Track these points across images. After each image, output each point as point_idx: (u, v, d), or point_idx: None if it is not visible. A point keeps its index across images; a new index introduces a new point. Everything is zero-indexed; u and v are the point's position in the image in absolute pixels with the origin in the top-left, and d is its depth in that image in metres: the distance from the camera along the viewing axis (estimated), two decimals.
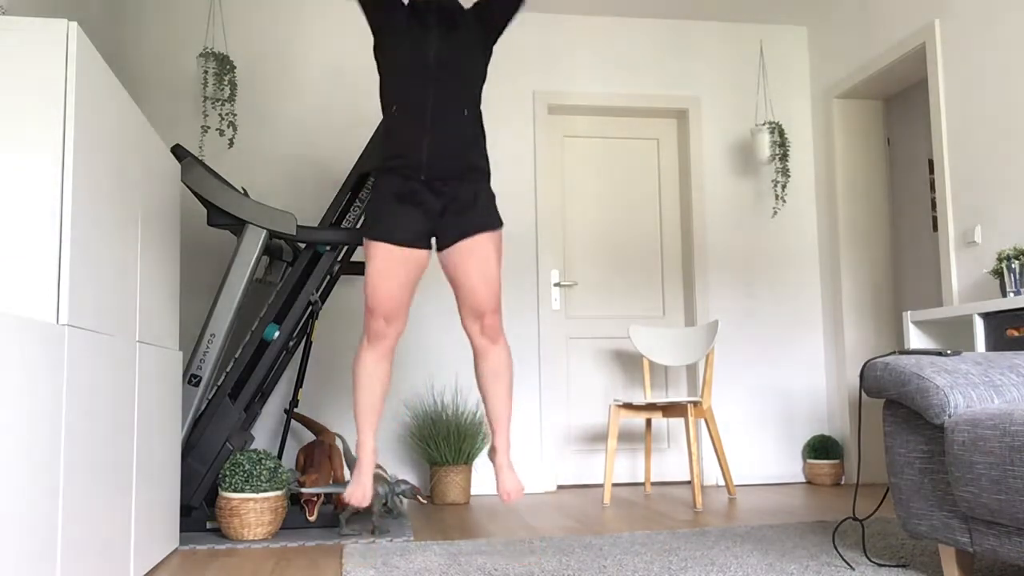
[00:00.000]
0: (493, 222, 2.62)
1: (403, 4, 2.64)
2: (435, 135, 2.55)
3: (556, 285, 4.76)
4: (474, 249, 2.57)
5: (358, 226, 3.45)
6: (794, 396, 4.81)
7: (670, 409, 3.99)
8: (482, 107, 4.66)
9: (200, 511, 3.28)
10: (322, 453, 3.49)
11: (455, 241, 2.59)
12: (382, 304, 2.54)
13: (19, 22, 1.85)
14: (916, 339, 3.65)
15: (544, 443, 4.54)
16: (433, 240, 2.65)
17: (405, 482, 3.22)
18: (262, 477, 3.06)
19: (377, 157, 2.62)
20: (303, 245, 3.62)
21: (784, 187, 4.83)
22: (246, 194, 3.39)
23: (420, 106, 2.55)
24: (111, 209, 2.14)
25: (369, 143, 3.52)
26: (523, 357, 4.57)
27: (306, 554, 2.81)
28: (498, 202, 4.63)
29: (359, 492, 2.55)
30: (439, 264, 2.72)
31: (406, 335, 4.47)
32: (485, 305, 2.58)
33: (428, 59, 2.56)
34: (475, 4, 2.70)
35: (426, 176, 2.57)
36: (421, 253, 2.60)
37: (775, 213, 4.88)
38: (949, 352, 2.21)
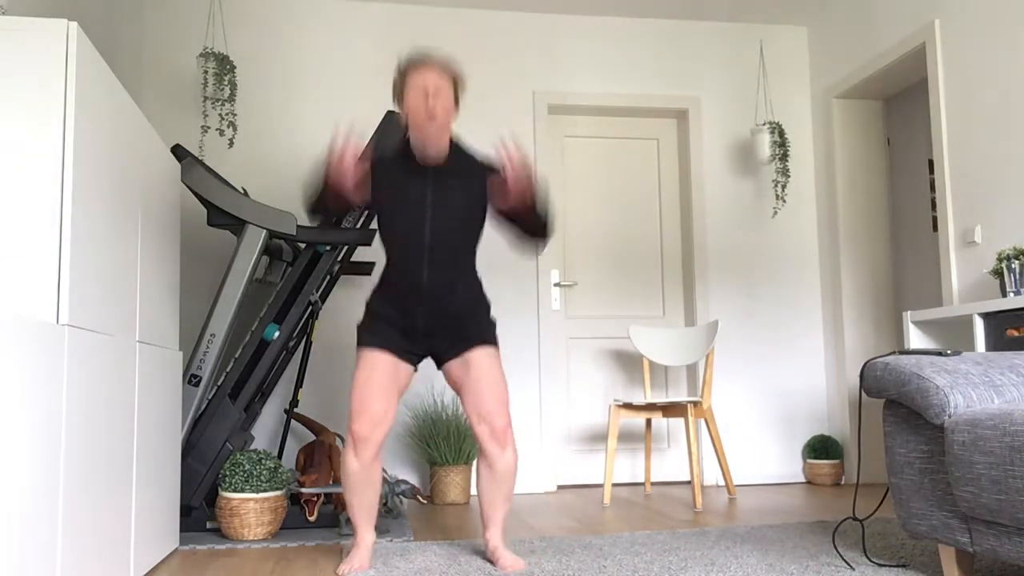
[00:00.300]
0: (491, 339, 2.61)
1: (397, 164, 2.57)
2: (436, 310, 2.55)
3: (556, 285, 4.76)
4: (477, 360, 2.57)
5: (359, 225, 3.45)
6: (794, 396, 4.80)
7: (670, 409, 3.99)
8: (483, 108, 4.68)
9: (200, 511, 3.28)
10: (322, 453, 3.49)
11: (456, 355, 2.59)
12: (368, 411, 2.49)
13: (19, 22, 1.85)
14: (916, 339, 3.65)
15: (544, 443, 4.54)
16: (420, 360, 2.66)
17: (405, 482, 3.22)
18: (262, 477, 3.06)
19: (376, 300, 2.61)
20: (303, 245, 3.62)
21: (784, 187, 4.83)
22: (246, 194, 3.39)
23: (416, 276, 2.52)
24: (111, 209, 2.14)
25: (369, 143, 3.52)
26: (523, 357, 4.57)
27: (306, 554, 2.81)
28: None
29: (348, 567, 2.49)
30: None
31: None
32: (495, 414, 2.54)
33: (423, 240, 2.51)
34: (484, 171, 2.59)
35: (425, 335, 2.59)
36: (409, 367, 2.60)
37: (775, 213, 4.88)
38: (949, 352, 2.20)
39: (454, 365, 2.60)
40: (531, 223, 2.56)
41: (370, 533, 2.58)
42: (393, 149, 2.61)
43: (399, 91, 2.51)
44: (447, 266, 2.53)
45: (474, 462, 4.37)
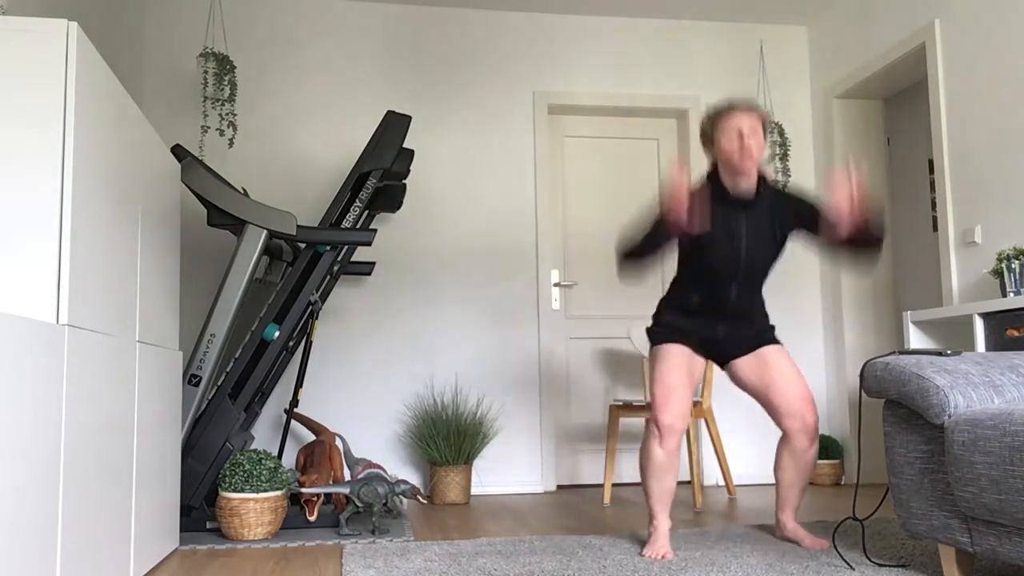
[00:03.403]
0: (777, 340, 2.79)
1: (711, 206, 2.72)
2: (733, 320, 2.75)
3: (556, 285, 4.76)
4: (774, 357, 2.75)
5: (357, 225, 3.45)
6: None
7: None
8: (484, 108, 4.68)
9: (200, 511, 3.28)
10: (322, 453, 3.49)
11: (746, 352, 2.77)
12: (673, 402, 2.66)
13: (19, 22, 1.85)
14: (916, 339, 3.65)
15: (544, 443, 4.54)
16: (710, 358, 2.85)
17: (405, 482, 3.22)
18: (262, 477, 3.06)
19: (671, 314, 2.80)
20: (303, 245, 3.62)
21: (784, 187, 4.82)
22: (246, 194, 3.39)
23: (724, 300, 2.72)
24: (111, 209, 2.14)
25: (369, 143, 3.53)
26: (523, 357, 4.57)
27: (306, 554, 2.81)
28: (496, 201, 4.64)
29: (658, 552, 2.59)
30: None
31: (406, 335, 4.47)
32: (807, 411, 2.70)
33: (738, 266, 2.69)
34: (807, 211, 2.72)
35: (719, 337, 2.77)
36: (702, 360, 2.79)
37: None
38: (949, 352, 2.20)
39: (745, 362, 2.77)
40: (866, 244, 2.60)
41: (667, 520, 2.71)
42: (701, 185, 2.77)
43: (709, 136, 2.70)
44: (751, 289, 2.75)
45: (474, 462, 4.37)
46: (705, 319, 2.75)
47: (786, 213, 2.72)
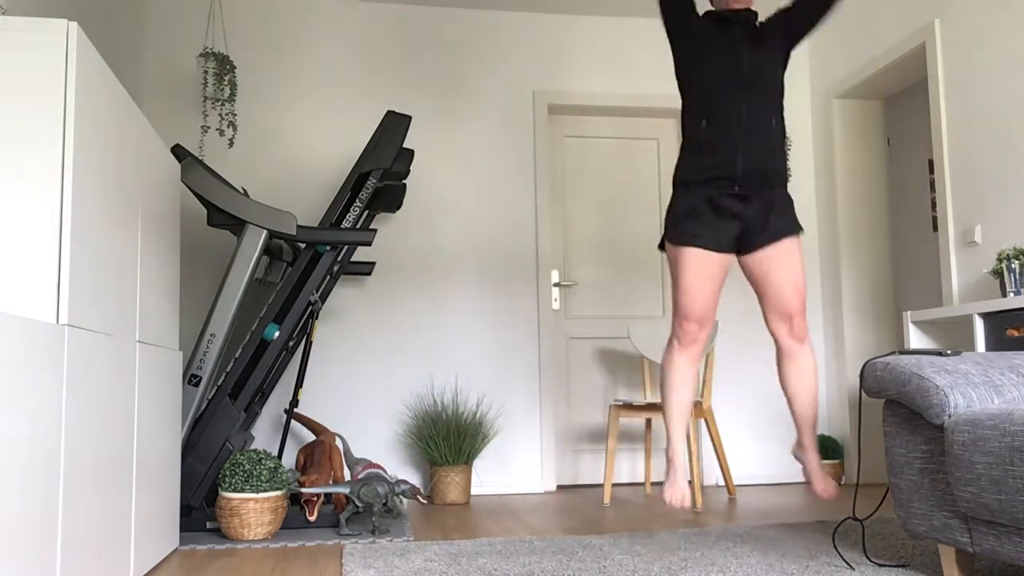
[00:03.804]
0: (796, 227, 2.73)
1: (705, 21, 2.74)
2: (750, 148, 2.65)
3: (556, 285, 4.76)
4: (781, 254, 2.69)
5: (358, 225, 3.45)
6: None
7: None
8: (484, 108, 4.68)
9: (200, 511, 3.28)
10: (322, 453, 3.49)
11: (762, 246, 2.70)
12: (696, 310, 2.64)
13: (19, 22, 1.85)
14: (916, 339, 3.65)
15: (544, 443, 4.54)
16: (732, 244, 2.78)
17: (405, 482, 3.22)
18: (262, 477, 3.06)
19: (685, 169, 2.74)
20: (303, 245, 3.62)
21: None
22: (246, 194, 3.39)
23: (735, 120, 2.65)
24: (111, 209, 2.14)
25: (369, 143, 3.53)
26: (523, 357, 4.57)
27: (306, 554, 2.81)
28: (496, 202, 4.64)
29: (677, 493, 2.62)
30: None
31: (406, 335, 4.47)
32: (794, 307, 2.68)
33: (740, 74, 2.65)
34: (779, 14, 2.77)
35: (740, 187, 2.67)
36: (729, 257, 2.72)
37: None
38: (949, 352, 2.20)
39: (759, 259, 2.71)
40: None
41: (683, 445, 2.72)
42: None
43: None
44: (763, 106, 2.67)
45: (474, 462, 4.37)
46: (720, 157, 2.66)
47: (777, 24, 2.76)
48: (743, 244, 2.75)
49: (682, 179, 2.75)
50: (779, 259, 2.68)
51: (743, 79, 2.66)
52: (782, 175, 2.73)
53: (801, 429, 2.76)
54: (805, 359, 2.72)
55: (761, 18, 2.81)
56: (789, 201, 2.75)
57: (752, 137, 2.66)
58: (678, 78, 2.81)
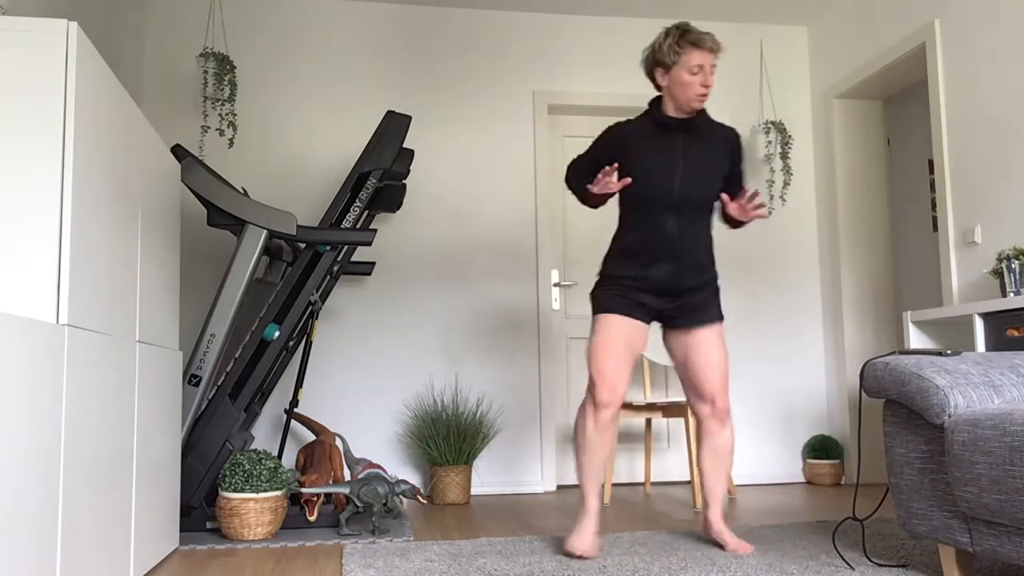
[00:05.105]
0: (720, 316, 2.74)
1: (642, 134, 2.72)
2: (679, 260, 2.67)
3: (556, 285, 4.76)
4: (703, 340, 2.70)
5: (358, 225, 3.45)
6: (794, 396, 4.80)
7: (670, 409, 3.99)
8: (484, 108, 4.68)
9: (200, 511, 3.28)
10: (322, 453, 3.49)
11: (686, 329, 2.71)
12: (608, 376, 2.64)
13: (19, 22, 1.85)
14: (916, 339, 3.65)
15: (544, 443, 4.54)
16: (657, 323, 2.84)
17: (405, 482, 3.22)
18: (262, 477, 3.06)
19: (612, 263, 2.75)
20: (303, 245, 3.62)
21: (785, 186, 4.83)
22: (246, 194, 3.39)
23: (663, 232, 2.67)
24: (111, 209, 2.14)
25: (369, 143, 3.53)
26: (523, 358, 4.57)
27: (306, 554, 2.81)
28: (496, 201, 4.64)
29: (583, 544, 2.59)
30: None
31: (406, 334, 4.47)
32: (715, 389, 2.70)
33: (673, 195, 2.66)
34: (725, 144, 2.75)
35: (664, 291, 2.70)
36: (647, 328, 2.74)
37: (770, 213, 4.88)
38: (949, 352, 2.20)
39: (682, 338, 2.73)
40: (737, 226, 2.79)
41: (596, 500, 2.69)
42: (638, 121, 2.75)
43: (664, 63, 2.66)
44: (693, 223, 2.67)
45: (474, 462, 4.37)
46: (646, 260, 2.67)
47: (723, 152, 2.72)
48: (668, 325, 2.77)
49: (609, 271, 2.77)
50: (701, 345, 2.69)
51: (675, 198, 2.67)
52: (710, 280, 2.75)
53: (710, 504, 2.75)
54: (724, 439, 2.73)
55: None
56: (715, 293, 2.76)
57: (679, 251, 2.68)
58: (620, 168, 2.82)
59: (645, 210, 2.67)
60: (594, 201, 2.75)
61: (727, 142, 2.73)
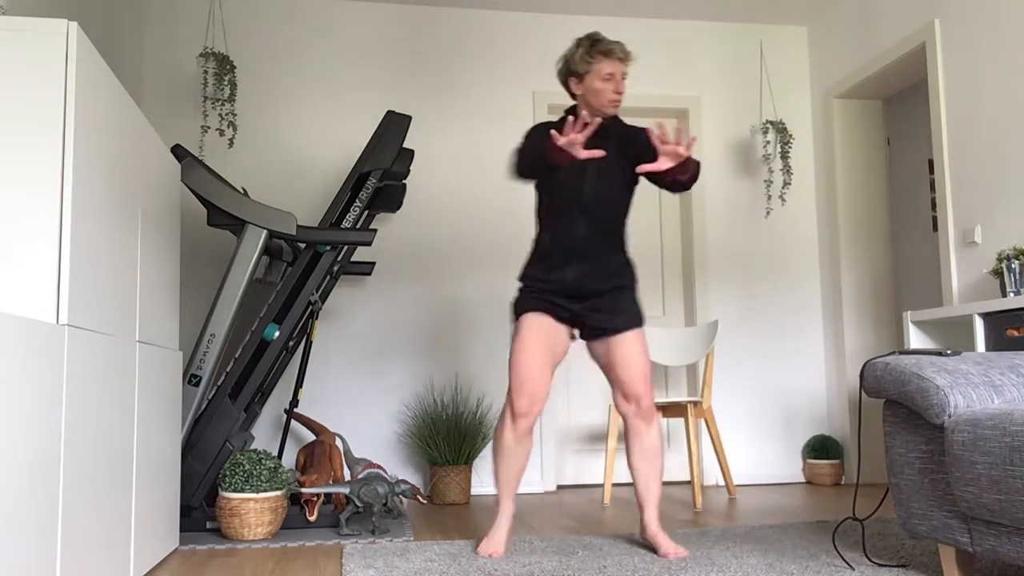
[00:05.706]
0: (639, 321, 2.75)
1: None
2: (585, 263, 2.70)
3: None
4: (623, 344, 2.72)
5: (358, 225, 3.45)
6: (794, 396, 4.81)
7: (670, 409, 3.99)
8: (484, 108, 4.68)
9: (200, 511, 3.28)
10: (322, 453, 3.49)
11: (604, 335, 2.73)
12: (528, 384, 2.67)
13: (19, 22, 1.85)
14: (916, 339, 3.65)
15: (544, 443, 4.54)
16: (576, 331, 2.82)
17: (405, 482, 3.22)
18: (262, 477, 3.06)
19: (528, 266, 2.80)
20: (303, 245, 3.62)
21: (785, 185, 4.83)
22: (246, 194, 3.39)
23: (571, 236, 2.70)
24: (111, 209, 2.14)
25: (369, 143, 3.53)
26: None
27: (306, 554, 2.81)
28: (496, 201, 4.64)
29: (492, 546, 2.66)
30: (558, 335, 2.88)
31: (406, 335, 4.47)
32: (639, 390, 2.72)
33: (583, 197, 2.68)
34: (635, 145, 2.75)
35: (573, 294, 2.72)
36: (567, 332, 2.76)
37: (768, 213, 4.88)
38: (949, 352, 2.20)
39: (601, 344, 2.75)
40: (681, 186, 2.71)
41: (511, 505, 2.74)
42: (556, 124, 2.78)
43: (577, 72, 2.70)
44: (601, 228, 2.70)
45: (474, 462, 4.37)
46: (556, 262, 2.71)
47: (629, 148, 2.74)
48: (586, 331, 2.78)
49: (527, 273, 2.80)
50: (620, 348, 2.71)
51: (583, 204, 2.69)
52: (623, 285, 2.75)
53: (644, 507, 2.75)
54: (651, 439, 2.74)
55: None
56: (632, 299, 2.76)
57: (585, 254, 2.70)
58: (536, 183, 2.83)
59: (557, 213, 2.72)
60: (554, 157, 2.56)
61: (636, 141, 2.75)
